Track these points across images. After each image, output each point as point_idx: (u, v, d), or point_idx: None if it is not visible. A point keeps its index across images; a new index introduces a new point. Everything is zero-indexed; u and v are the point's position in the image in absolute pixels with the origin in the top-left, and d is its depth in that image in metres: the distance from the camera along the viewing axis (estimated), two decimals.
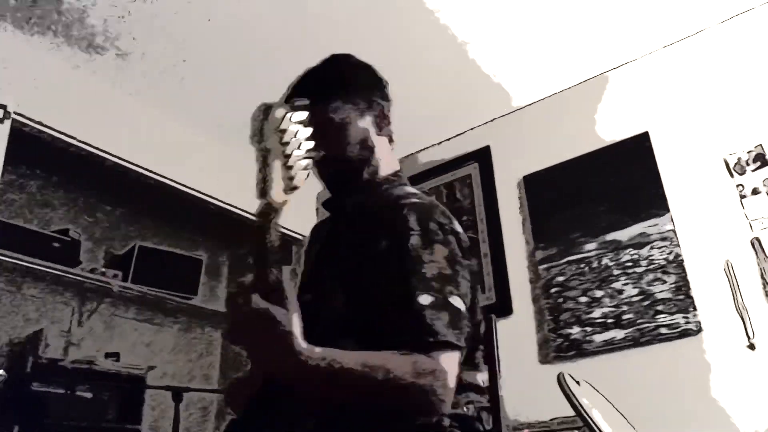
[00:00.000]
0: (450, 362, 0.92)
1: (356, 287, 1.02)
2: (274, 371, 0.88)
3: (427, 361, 0.89)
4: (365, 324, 0.96)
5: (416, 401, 0.89)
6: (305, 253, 1.30)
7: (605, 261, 2.64)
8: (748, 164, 2.43)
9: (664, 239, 2.53)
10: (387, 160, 1.24)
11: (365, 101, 1.22)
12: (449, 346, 0.92)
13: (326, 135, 1.11)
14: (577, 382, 1.67)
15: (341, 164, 1.18)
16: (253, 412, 1.02)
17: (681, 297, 2.41)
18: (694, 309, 2.37)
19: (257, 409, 1.02)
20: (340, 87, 1.19)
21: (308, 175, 0.91)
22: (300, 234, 3.76)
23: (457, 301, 0.97)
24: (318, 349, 0.84)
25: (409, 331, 0.92)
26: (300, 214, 3.85)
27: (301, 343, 0.83)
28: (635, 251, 2.58)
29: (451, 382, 0.90)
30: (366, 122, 1.21)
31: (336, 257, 1.15)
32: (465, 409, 1.02)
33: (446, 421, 0.97)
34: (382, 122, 1.24)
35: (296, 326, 0.83)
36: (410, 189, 1.20)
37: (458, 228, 1.10)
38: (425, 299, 0.94)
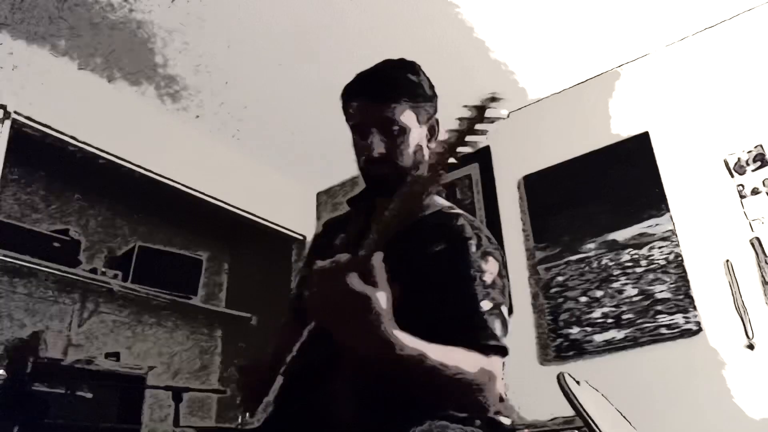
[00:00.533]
0: (500, 366, 0.99)
1: (411, 283, 1.02)
2: (361, 350, 0.89)
3: (486, 363, 0.96)
4: (421, 319, 0.97)
5: (473, 398, 0.95)
6: (327, 247, 1.29)
7: (605, 261, 2.64)
8: (748, 164, 2.43)
9: (664, 239, 2.52)
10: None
11: (426, 112, 1.23)
12: (502, 351, 1.00)
13: (389, 135, 1.15)
14: (577, 382, 1.67)
15: (395, 167, 1.18)
16: (289, 397, 1.03)
17: (681, 297, 2.41)
18: (694, 309, 2.37)
19: (294, 393, 1.03)
20: (409, 92, 1.19)
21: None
22: (300, 234, 3.76)
23: (505, 310, 1.05)
24: (406, 336, 0.88)
25: (472, 333, 0.99)
26: (300, 214, 3.86)
27: (392, 327, 0.86)
28: (635, 251, 2.58)
29: (500, 386, 0.97)
30: (422, 132, 1.23)
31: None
32: (503, 419, 1.06)
33: (477, 423, 1.01)
34: (433, 135, 1.26)
35: (388, 310, 0.86)
36: (446, 201, 1.25)
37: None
38: (486, 305, 1.02)
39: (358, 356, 0.91)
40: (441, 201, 1.25)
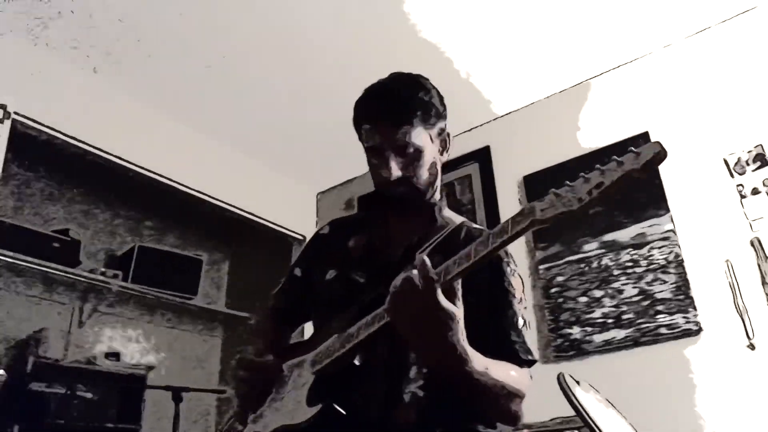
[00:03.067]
0: (530, 379, 1.08)
1: None
2: (437, 365, 0.95)
3: (527, 378, 1.06)
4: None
5: (516, 410, 1.02)
6: (338, 248, 1.30)
7: (605, 261, 2.64)
8: (748, 164, 2.43)
9: (664, 239, 2.52)
10: (440, 186, 1.29)
11: (437, 128, 1.23)
12: (532, 364, 1.09)
13: (405, 157, 1.16)
14: (577, 382, 1.67)
15: (413, 188, 1.20)
16: (332, 397, 1.04)
17: (681, 297, 2.41)
18: (694, 309, 2.37)
19: (335, 393, 1.05)
20: (422, 112, 1.18)
21: None
22: (300, 234, 3.76)
23: (528, 325, 1.14)
24: (478, 355, 0.92)
25: (510, 349, 1.07)
26: (300, 214, 3.86)
27: (468, 346, 0.90)
28: (635, 251, 2.58)
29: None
30: (435, 148, 1.24)
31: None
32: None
33: None
34: (444, 148, 1.28)
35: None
36: (459, 215, 1.29)
37: None
38: (520, 322, 1.11)
39: (429, 366, 0.98)
40: (455, 215, 1.29)
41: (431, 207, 1.25)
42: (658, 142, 0.76)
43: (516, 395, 1.01)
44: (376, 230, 1.28)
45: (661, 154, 0.75)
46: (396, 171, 1.15)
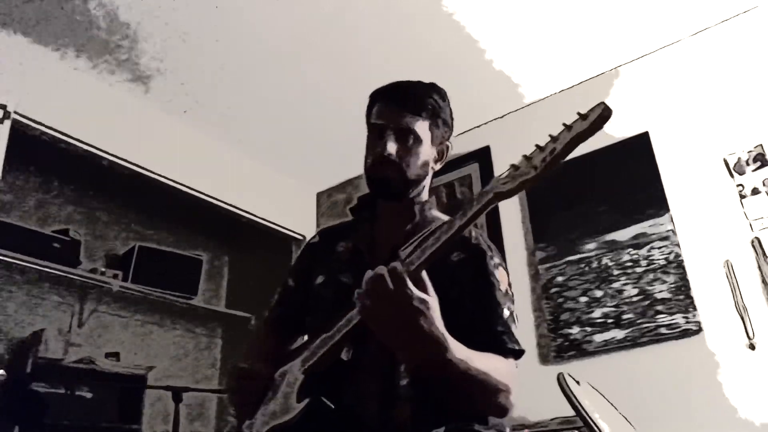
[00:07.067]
0: (516, 369, 1.09)
1: (435, 289, 1.05)
2: (414, 356, 0.95)
3: (513, 368, 1.08)
4: (446, 324, 0.99)
5: (504, 401, 1.03)
6: (327, 254, 1.33)
7: (605, 261, 2.64)
8: (748, 164, 2.43)
9: (664, 239, 2.52)
10: (428, 189, 1.33)
11: (440, 134, 1.29)
12: (520, 354, 1.11)
13: (403, 142, 1.21)
14: (577, 382, 1.67)
15: (401, 173, 1.23)
16: (319, 396, 1.05)
17: (681, 297, 2.41)
18: (694, 309, 2.37)
19: (323, 391, 1.05)
20: (432, 111, 1.25)
21: None
22: (299, 234, 3.76)
23: (516, 318, 1.16)
24: (458, 344, 0.93)
25: (499, 337, 1.09)
26: (300, 214, 3.86)
27: (447, 334, 0.91)
28: (635, 251, 2.58)
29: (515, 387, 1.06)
30: (432, 152, 1.29)
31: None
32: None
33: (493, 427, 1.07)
34: (441, 158, 1.33)
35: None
36: (445, 215, 1.30)
37: None
38: (506, 312, 1.13)
39: (408, 359, 0.98)
40: (443, 215, 1.30)
41: (414, 205, 1.28)
42: (602, 103, 0.84)
43: (501, 385, 1.01)
44: (362, 233, 1.31)
45: (605, 114, 0.83)
46: (391, 149, 1.20)
